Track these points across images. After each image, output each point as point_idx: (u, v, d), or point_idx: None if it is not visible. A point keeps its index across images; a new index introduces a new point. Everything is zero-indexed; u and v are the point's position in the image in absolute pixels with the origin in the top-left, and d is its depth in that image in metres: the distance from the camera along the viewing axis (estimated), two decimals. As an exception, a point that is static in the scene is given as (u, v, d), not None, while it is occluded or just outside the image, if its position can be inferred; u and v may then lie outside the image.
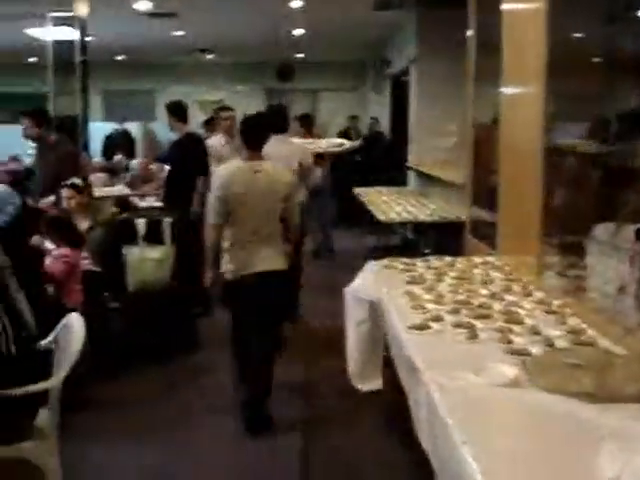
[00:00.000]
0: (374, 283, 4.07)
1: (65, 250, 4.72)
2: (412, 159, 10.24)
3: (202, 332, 5.91)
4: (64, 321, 3.24)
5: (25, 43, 11.75)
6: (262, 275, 4.25)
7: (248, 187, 4.24)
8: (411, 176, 10.71)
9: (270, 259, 4.31)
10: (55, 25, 8.23)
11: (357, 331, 4.27)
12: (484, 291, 3.62)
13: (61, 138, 6.76)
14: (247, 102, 15.17)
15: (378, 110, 14.03)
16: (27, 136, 6.72)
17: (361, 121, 14.31)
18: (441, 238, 7.15)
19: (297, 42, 13.30)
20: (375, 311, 3.96)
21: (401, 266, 4.24)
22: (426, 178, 9.08)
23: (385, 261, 4.35)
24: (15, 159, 9.77)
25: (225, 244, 4.32)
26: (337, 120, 14.95)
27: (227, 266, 4.31)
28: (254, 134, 4.43)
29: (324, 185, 8.33)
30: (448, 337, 2.92)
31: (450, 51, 9.19)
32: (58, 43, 8.29)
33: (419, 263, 4.33)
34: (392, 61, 12.57)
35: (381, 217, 7.06)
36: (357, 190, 9.39)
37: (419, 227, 7.63)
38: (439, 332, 2.98)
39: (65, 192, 5.54)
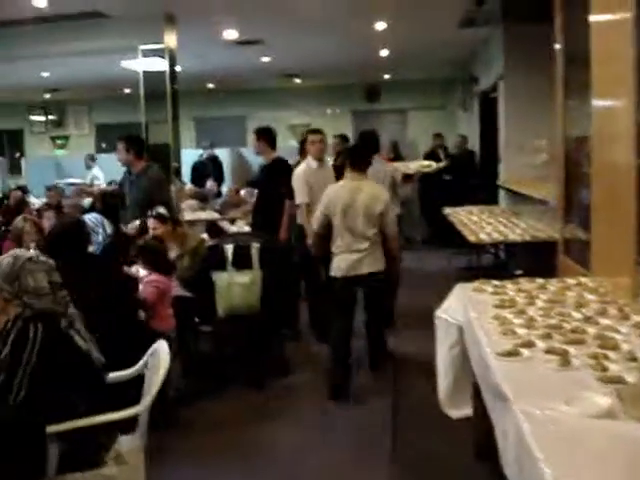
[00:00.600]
0: (464, 306, 3.99)
1: (155, 276, 4.81)
2: (502, 177, 10.06)
3: (291, 356, 5.94)
4: (153, 347, 3.29)
5: (121, 75, 12.18)
6: (366, 276, 5.29)
7: (351, 204, 5.25)
8: (501, 194, 10.52)
9: (372, 264, 5.31)
10: (146, 57, 8.45)
11: (447, 355, 4.20)
12: (577, 315, 3.48)
13: (150, 165, 6.85)
14: (335, 124, 15.26)
15: (466, 128, 13.86)
16: (119, 161, 6.85)
17: (449, 139, 14.12)
18: (533, 258, 6.97)
19: (383, 63, 13.29)
20: (465, 334, 3.88)
21: (491, 289, 4.13)
22: (517, 196, 8.89)
23: (475, 284, 4.25)
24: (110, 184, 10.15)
25: (335, 250, 5.33)
26: (425, 138, 14.84)
27: (337, 268, 5.31)
28: (359, 157, 5.51)
29: (412, 198, 8.76)
30: (539, 364, 2.82)
31: (538, 66, 9.01)
32: (150, 74, 8.51)
33: (509, 285, 4.21)
34: (479, 78, 12.40)
35: (471, 238, 6.94)
36: (447, 210, 9.27)
37: (510, 247, 7.45)
38: (529, 359, 2.87)
39: (150, 222, 5.68)
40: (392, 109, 17.10)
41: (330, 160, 7.31)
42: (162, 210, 5.69)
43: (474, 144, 12.66)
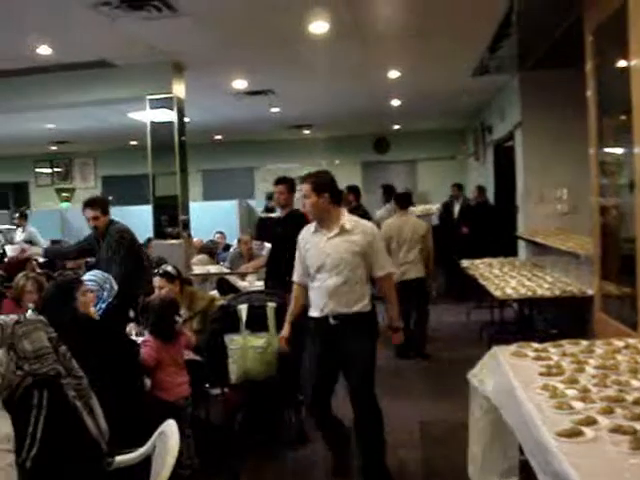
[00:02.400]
0: (502, 372, 3.62)
1: (149, 337, 4.46)
2: (521, 228, 9.75)
3: (308, 422, 5.52)
4: (161, 429, 2.93)
5: (127, 126, 12.03)
6: (412, 279, 7.88)
7: (401, 232, 8.04)
8: (521, 246, 10.19)
9: (415, 271, 7.97)
10: (153, 107, 8.24)
11: (479, 423, 3.84)
12: (636, 383, 3.11)
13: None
14: (345, 175, 15.06)
15: (479, 178, 13.61)
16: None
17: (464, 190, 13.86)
18: (562, 314, 6.62)
19: (394, 113, 13.14)
20: (504, 404, 3.50)
21: (532, 353, 3.75)
22: (538, 248, 8.57)
23: (513, 347, 3.88)
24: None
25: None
26: (436, 189, 14.61)
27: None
28: (404, 201, 8.42)
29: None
30: (607, 447, 2.43)
31: (557, 112, 8.86)
32: (157, 125, 8.29)
33: (552, 349, 3.83)
34: (493, 127, 12.18)
35: (496, 293, 6.58)
36: (465, 263, 8.94)
37: (536, 301, 7.09)
38: (595, 440, 2.49)
39: (156, 281, 5.35)
40: (401, 160, 16.94)
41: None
42: (170, 268, 5.35)
43: (489, 194, 12.38)
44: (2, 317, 2.94)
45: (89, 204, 6.40)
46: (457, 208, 12.51)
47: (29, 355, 2.78)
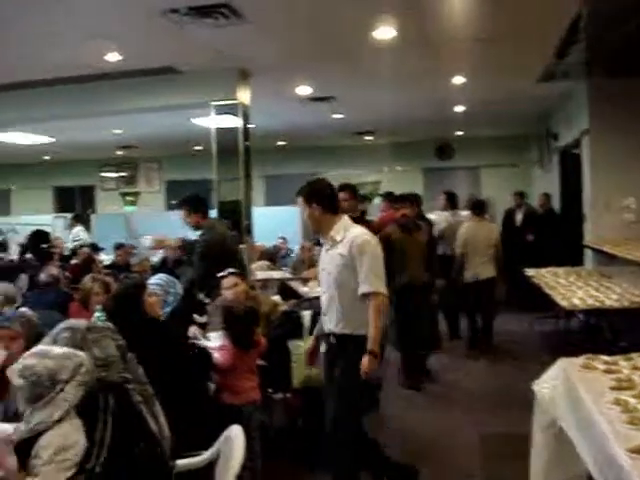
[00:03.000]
0: (570, 385, 3.54)
1: (226, 341, 4.46)
2: (588, 237, 9.54)
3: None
4: (226, 434, 2.93)
5: (192, 132, 12.17)
6: (485, 280, 8.68)
7: (477, 237, 8.81)
8: (587, 255, 9.97)
9: (487, 271, 8.71)
10: (218, 113, 8.31)
11: (543, 436, 3.75)
12: None
13: (211, 225, 6.61)
14: (406, 182, 15.01)
15: (544, 186, 13.36)
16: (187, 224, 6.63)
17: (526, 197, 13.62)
18: (631, 325, 6.44)
19: (457, 119, 13.01)
20: (571, 418, 3.41)
21: (602, 366, 3.66)
22: (606, 258, 8.37)
23: (582, 359, 3.79)
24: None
25: (467, 264, 8.80)
26: (501, 196, 14.39)
27: (468, 274, 8.80)
28: (479, 207, 9.21)
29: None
30: (684, 465, 2.36)
31: (626, 120, 8.65)
32: (222, 130, 8.36)
33: (622, 362, 3.73)
34: (559, 133, 11.96)
35: (563, 303, 6.45)
36: (530, 272, 8.79)
37: (603, 312, 6.92)
38: (671, 458, 2.42)
39: (228, 280, 5.21)
40: (464, 166, 16.74)
41: None
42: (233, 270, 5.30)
43: (554, 203, 12.15)
44: (73, 321, 2.98)
45: (178, 205, 6.60)
46: (519, 216, 12.28)
47: (99, 362, 2.81)
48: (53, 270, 7.28)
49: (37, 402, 2.66)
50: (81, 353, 2.75)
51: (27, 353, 2.86)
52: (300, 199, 4.46)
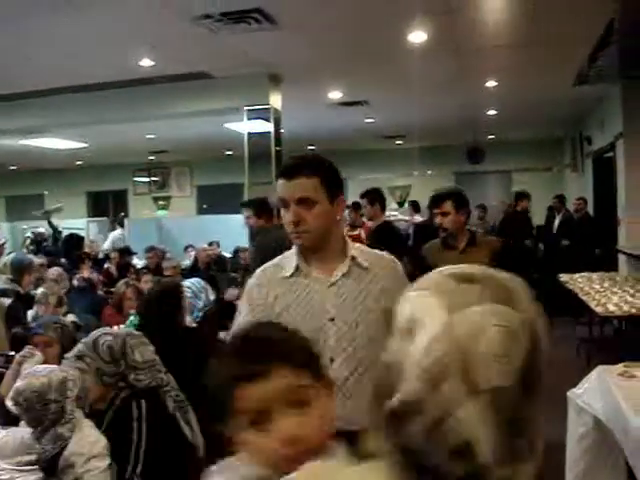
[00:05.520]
0: (607, 393, 3.49)
1: None
2: (623, 241, 9.43)
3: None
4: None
5: (224, 136, 12.24)
6: None
7: None
8: (621, 260, 9.85)
9: None
10: (250, 118, 8.35)
11: (578, 446, 3.71)
12: None
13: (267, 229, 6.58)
14: (437, 186, 14.83)
15: (577, 190, 13.22)
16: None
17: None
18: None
19: (489, 122, 12.94)
20: (610, 429, 3.37)
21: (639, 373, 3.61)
22: (640, 263, 8.28)
23: (619, 367, 3.74)
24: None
25: None
26: (534, 201, 14.25)
27: None
28: None
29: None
30: None
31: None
32: (254, 135, 8.40)
33: (660, 369, 3.68)
34: (592, 137, 11.84)
35: (598, 309, 6.36)
36: (563, 277, 8.68)
37: (638, 318, 6.82)
38: None
39: None
40: (496, 170, 16.63)
41: None
42: None
43: (588, 207, 12.02)
44: (110, 328, 3.02)
45: (243, 204, 6.55)
46: (557, 221, 12.11)
47: (140, 365, 2.82)
48: (88, 274, 7.34)
49: (40, 425, 2.68)
50: (65, 369, 2.77)
51: (24, 372, 2.89)
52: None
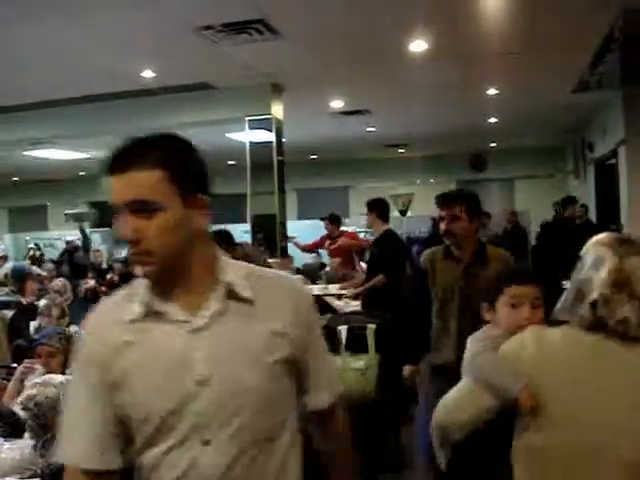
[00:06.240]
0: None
1: None
2: (626, 248, 9.40)
3: (405, 442, 5.42)
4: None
5: (225, 146, 12.24)
6: None
7: None
8: (624, 267, 9.83)
9: None
10: (252, 127, 8.36)
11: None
12: None
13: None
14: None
15: (579, 196, 13.19)
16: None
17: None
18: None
19: (491, 130, 12.95)
20: None
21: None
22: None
23: None
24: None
25: None
26: (536, 208, 14.24)
27: None
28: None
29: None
30: None
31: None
32: (256, 145, 8.41)
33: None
34: (595, 144, 11.84)
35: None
36: (566, 284, 8.67)
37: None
38: None
39: None
40: (498, 178, 16.64)
41: None
42: None
43: (590, 213, 12.01)
44: None
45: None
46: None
47: None
48: (91, 283, 7.34)
49: (47, 433, 2.67)
50: None
51: (29, 384, 2.87)
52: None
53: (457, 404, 2.06)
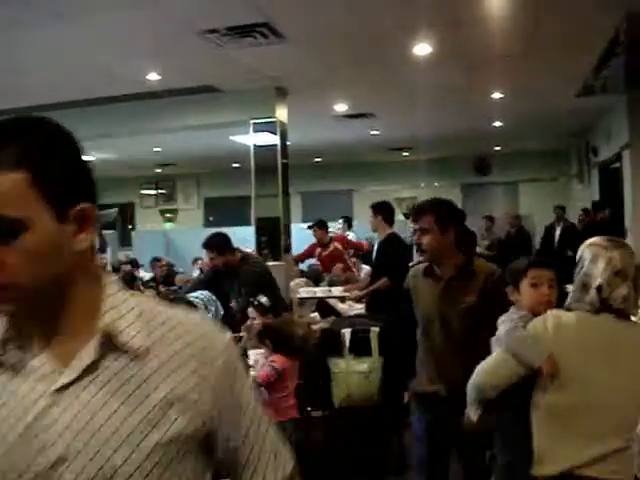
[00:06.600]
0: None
1: (275, 356, 4.50)
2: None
3: (408, 446, 5.42)
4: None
5: (230, 149, 12.27)
6: None
7: None
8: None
9: None
10: (257, 131, 8.38)
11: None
12: None
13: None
14: (444, 197, 14.85)
15: (583, 200, 13.21)
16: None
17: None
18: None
19: (495, 134, 12.95)
20: None
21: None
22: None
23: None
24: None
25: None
26: (540, 212, 14.24)
27: None
28: None
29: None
30: None
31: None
32: (260, 148, 8.43)
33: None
34: (599, 148, 11.84)
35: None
36: (569, 288, 8.66)
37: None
38: None
39: (251, 312, 5.14)
40: (502, 182, 16.63)
41: None
42: (264, 300, 5.17)
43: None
44: None
45: (204, 247, 6.31)
46: (558, 231, 12.10)
47: None
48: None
49: None
50: None
51: None
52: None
53: (494, 370, 2.54)
